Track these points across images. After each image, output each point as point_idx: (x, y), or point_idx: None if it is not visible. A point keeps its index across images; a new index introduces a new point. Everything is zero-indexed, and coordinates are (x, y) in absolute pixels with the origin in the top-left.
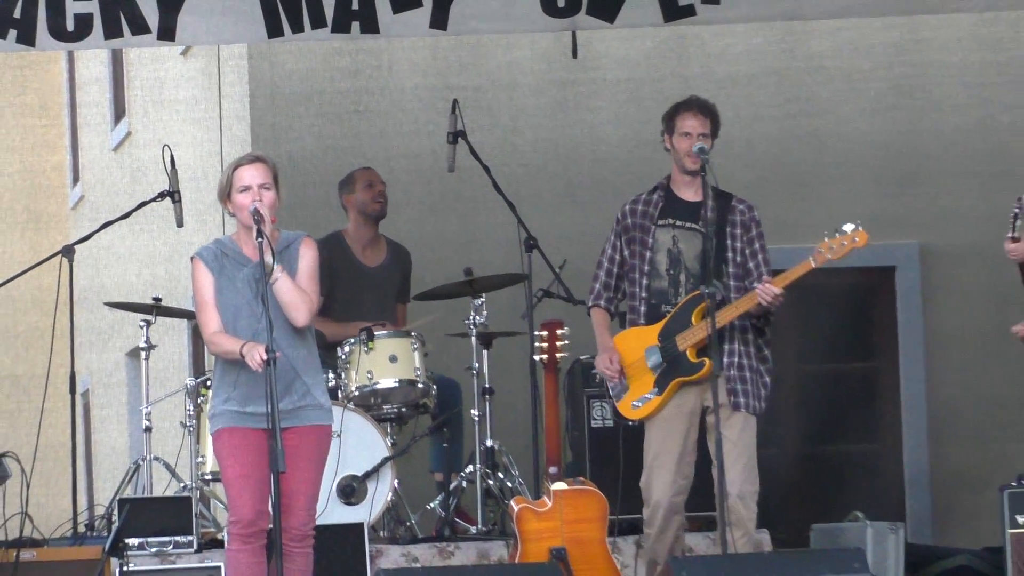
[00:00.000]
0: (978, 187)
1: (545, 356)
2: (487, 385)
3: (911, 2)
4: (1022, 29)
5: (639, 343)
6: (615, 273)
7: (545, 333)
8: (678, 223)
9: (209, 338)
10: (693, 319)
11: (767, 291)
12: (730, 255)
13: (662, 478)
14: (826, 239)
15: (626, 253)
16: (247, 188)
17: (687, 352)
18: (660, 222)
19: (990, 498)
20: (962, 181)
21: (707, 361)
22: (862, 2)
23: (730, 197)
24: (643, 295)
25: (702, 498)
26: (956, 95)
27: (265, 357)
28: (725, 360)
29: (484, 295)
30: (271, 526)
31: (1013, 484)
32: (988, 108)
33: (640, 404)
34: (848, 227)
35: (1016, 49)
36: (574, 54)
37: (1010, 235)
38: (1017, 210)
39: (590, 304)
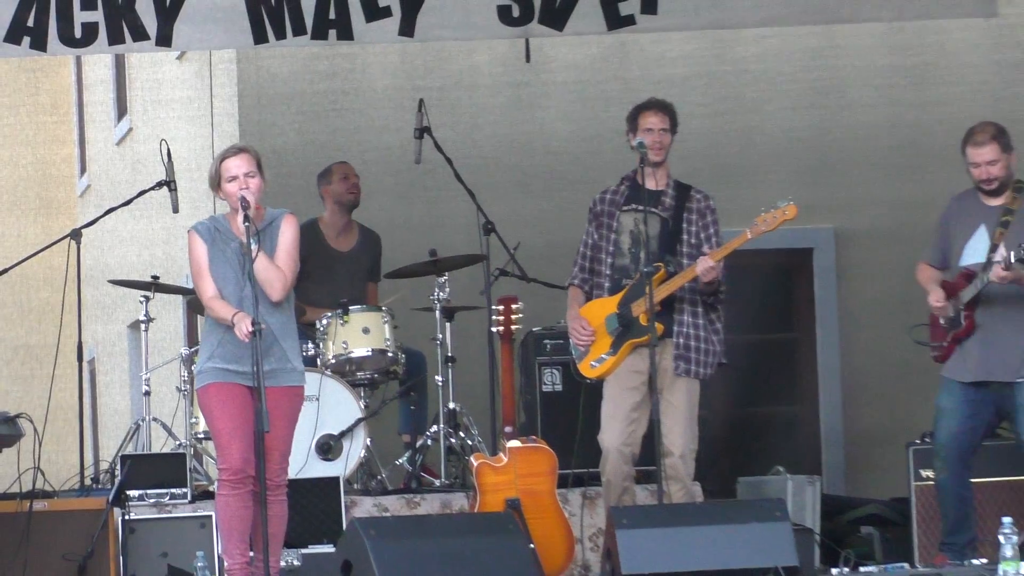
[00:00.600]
0: (886, 177)
1: (501, 328)
2: (449, 354)
3: (827, 12)
4: (926, 37)
5: (601, 311)
6: (589, 256)
7: (501, 307)
8: (640, 208)
9: (207, 302)
10: (647, 289)
11: (702, 262)
12: (685, 237)
13: (613, 428)
14: (762, 213)
15: (596, 237)
16: (234, 177)
17: (639, 317)
18: (625, 208)
19: (897, 454)
20: (872, 172)
21: (658, 326)
22: (783, 12)
23: (689, 188)
24: (608, 272)
25: (644, 454)
26: (867, 95)
27: (251, 329)
28: (675, 329)
29: (447, 274)
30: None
31: (917, 441)
32: (896, 107)
33: (597, 364)
34: (781, 202)
35: (921, 55)
36: (527, 58)
37: (1000, 263)
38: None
39: (568, 283)
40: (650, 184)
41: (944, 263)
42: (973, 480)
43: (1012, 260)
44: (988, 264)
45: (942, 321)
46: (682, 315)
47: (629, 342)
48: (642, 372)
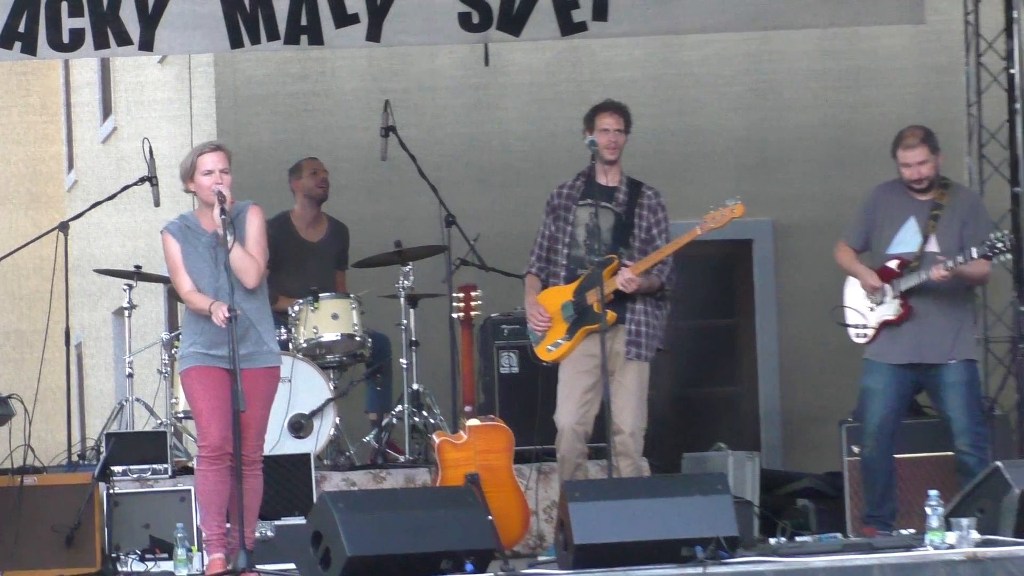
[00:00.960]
0: (820, 174)
1: (462, 314)
2: (413, 338)
3: (765, 20)
4: (857, 43)
5: (558, 298)
6: (546, 247)
7: (462, 295)
8: (595, 203)
9: (185, 296)
10: (604, 278)
11: (623, 274)
12: (636, 231)
13: (568, 408)
14: (711, 211)
15: (553, 228)
16: (210, 172)
17: (593, 305)
18: (581, 202)
19: (830, 431)
20: (808, 168)
21: (610, 313)
22: (725, 20)
23: (641, 184)
24: (563, 262)
25: (595, 432)
26: (802, 97)
27: (227, 315)
28: (628, 316)
29: (411, 263)
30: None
31: (849, 420)
32: (829, 108)
33: (553, 348)
34: (729, 201)
35: (852, 59)
36: (486, 62)
37: (947, 266)
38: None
39: (525, 271)
40: (604, 180)
41: (864, 247)
42: (900, 456)
43: (975, 255)
44: (922, 256)
45: (869, 303)
46: (634, 303)
47: (584, 328)
48: (595, 356)
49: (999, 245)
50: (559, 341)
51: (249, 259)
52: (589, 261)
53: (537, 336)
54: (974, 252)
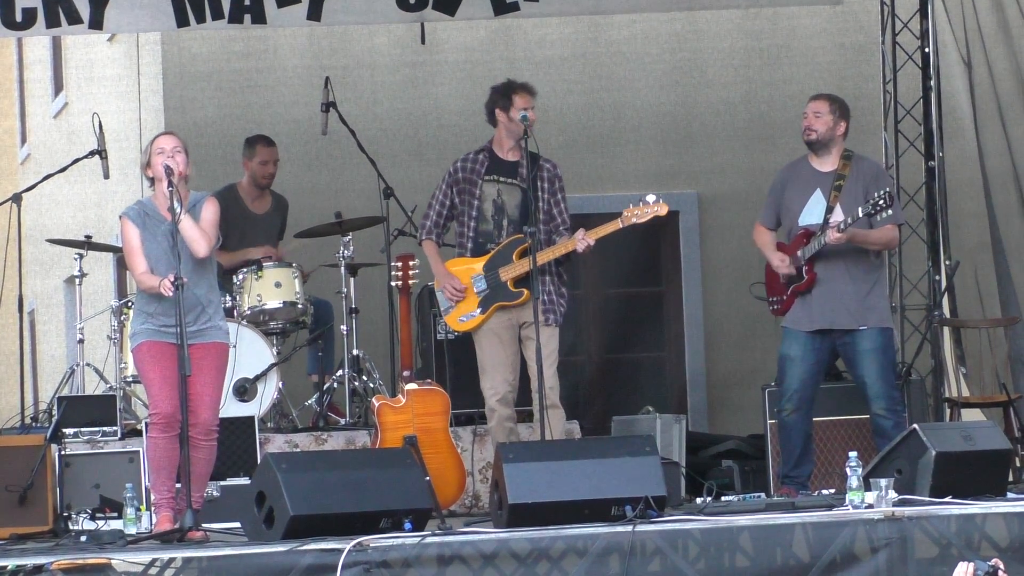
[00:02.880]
0: (743, 148)
1: (400, 282)
2: (353, 306)
3: (689, 0)
4: (778, 22)
5: (467, 271)
6: (443, 214)
7: (400, 264)
8: (501, 179)
9: (138, 278)
10: (514, 257)
11: (585, 241)
12: (540, 204)
13: (494, 380)
14: (631, 206)
15: (456, 200)
16: (162, 151)
17: (508, 282)
18: (486, 177)
19: (753, 395)
20: (730, 143)
21: (525, 291)
22: (650, 0)
23: (538, 158)
24: (471, 235)
25: (521, 396)
26: (725, 74)
27: (173, 282)
28: (540, 288)
29: (351, 234)
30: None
31: (771, 384)
32: (750, 85)
33: (466, 319)
34: (651, 198)
35: (772, 38)
36: (422, 41)
37: (835, 226)
38: (847, 221)
39: (423, 238)
40: (505, 155)
41: (776, 224)
42: (819, 419)
43: (860, 215)
44: (825, 224)
45: (781, 277)
46: (544, 276)
47: (497, 304)
48: (510, 329)
49: (880, 203)
50: (472, 313)
51: (199, 230)
52: (498, 236)
53: (448, 305)
54: (859, 211)
